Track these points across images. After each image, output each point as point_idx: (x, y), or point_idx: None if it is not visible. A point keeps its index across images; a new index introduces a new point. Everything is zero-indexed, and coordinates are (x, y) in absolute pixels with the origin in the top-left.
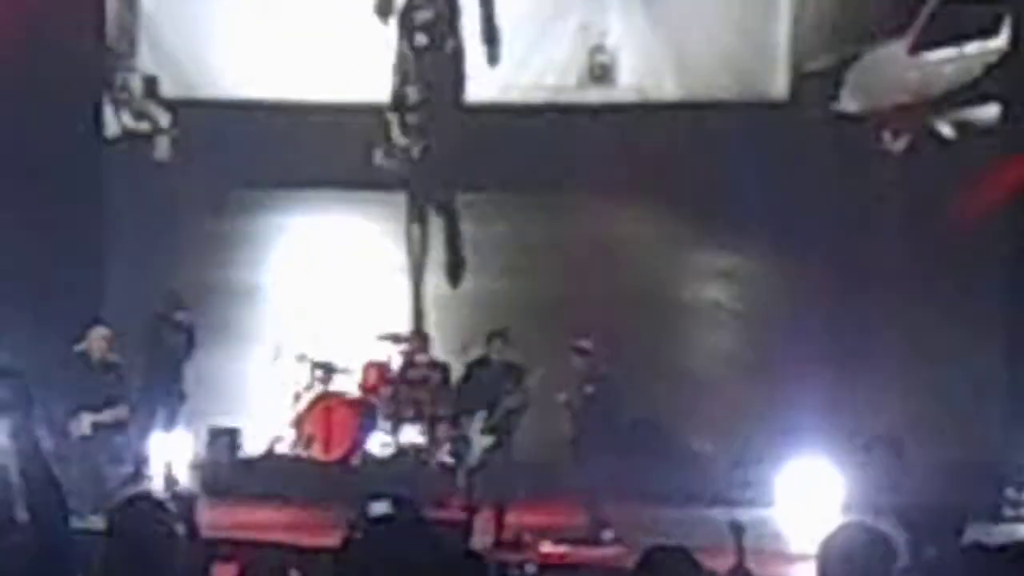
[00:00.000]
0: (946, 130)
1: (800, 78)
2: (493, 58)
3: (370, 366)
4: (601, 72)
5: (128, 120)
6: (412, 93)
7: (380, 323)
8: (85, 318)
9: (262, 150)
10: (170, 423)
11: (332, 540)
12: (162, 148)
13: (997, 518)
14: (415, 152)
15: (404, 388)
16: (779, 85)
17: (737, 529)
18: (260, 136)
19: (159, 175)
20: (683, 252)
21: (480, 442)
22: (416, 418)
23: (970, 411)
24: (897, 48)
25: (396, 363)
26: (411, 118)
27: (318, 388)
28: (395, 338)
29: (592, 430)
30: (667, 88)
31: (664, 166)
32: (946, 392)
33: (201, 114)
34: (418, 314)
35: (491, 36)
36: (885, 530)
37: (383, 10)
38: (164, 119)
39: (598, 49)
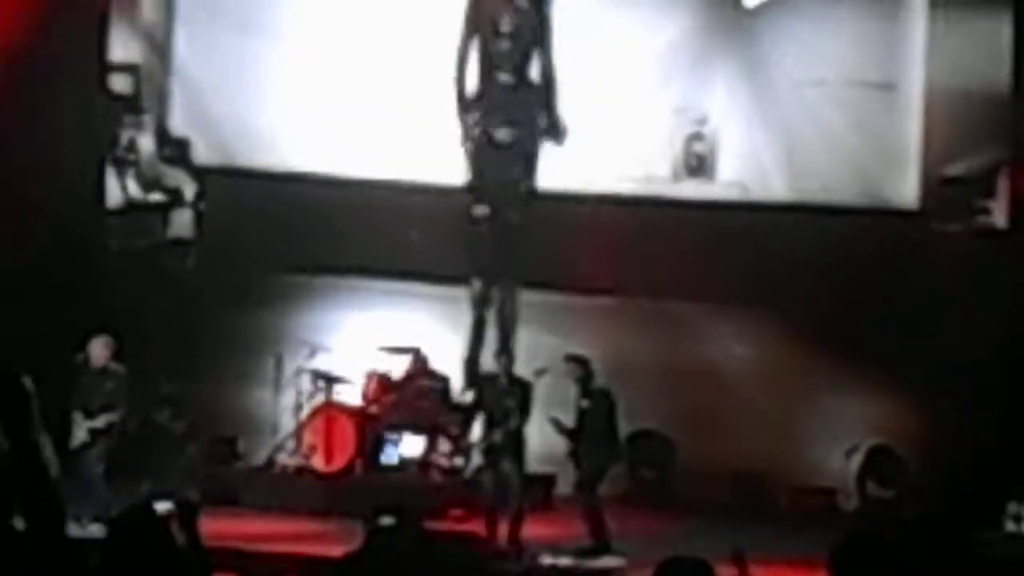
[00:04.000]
0: None
1: (936, 184)
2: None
3: (371, 377)
4: (698, 164)
5: (134, 189)
6: (482, 176)
7: None
8: (87, 325)
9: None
10: None
11: (333, 550)
12: (180, 223)
13: (999, 531)
14: (480, 245)
15: (405, 399)
16: (908, 191)
17: (739, 558)
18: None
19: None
20: (785, 374)
21: (481, 454)
22: (417, 429)
23: (972, 424)
24: None
25: (397, 374)
26: (478, 206)
27: (319, 398)
28: (397, 350)
29: (588, 442)
30: (775, 186)
31: (769, 274)
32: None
33: (235, 185)
34: None
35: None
36: (891, 541)
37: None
38: (189, 189)
39: (696, 137)
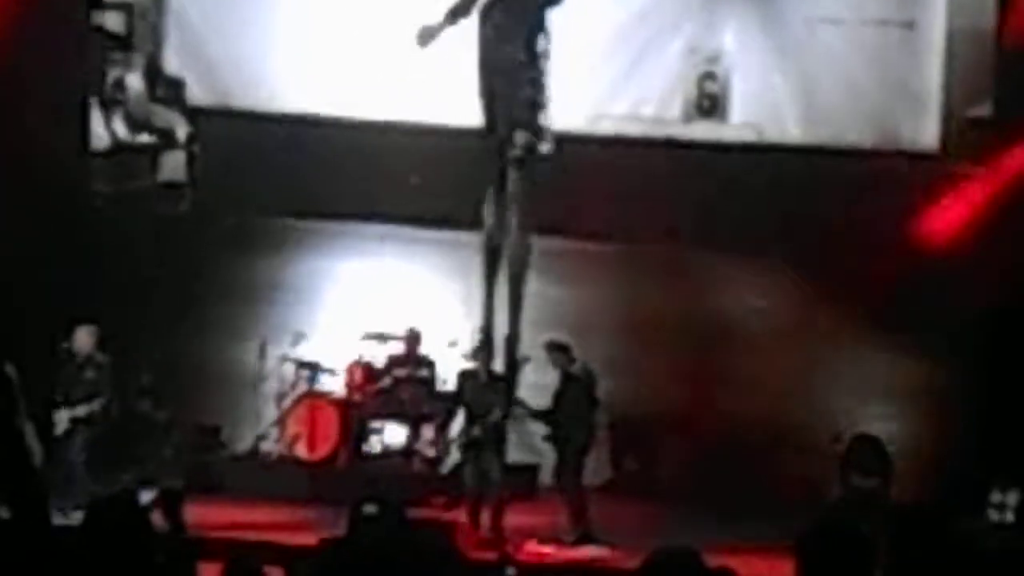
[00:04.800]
0: None
1: (958, 126)
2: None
3: (355, 366)
4: (710, 104)
5: (122, 130)
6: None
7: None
8: (73, 314)
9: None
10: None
11: (316, 538)
12: (171, 167)
13: (981, 519)
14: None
15: (389, 388)
16: (928, 133)
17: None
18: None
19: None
20: (797, 331)
21: (460, 449)
22: (401, 417)
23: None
24: None
25: (381, 362)
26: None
27: (303, 387)
28: (381, 337)
29: (566, 424)
30: (790, 129)
31: (785, 219)
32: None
33: (231, 126)
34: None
35: None
36: (865, 530)
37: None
38: (182, 130)
39: (708, 77)
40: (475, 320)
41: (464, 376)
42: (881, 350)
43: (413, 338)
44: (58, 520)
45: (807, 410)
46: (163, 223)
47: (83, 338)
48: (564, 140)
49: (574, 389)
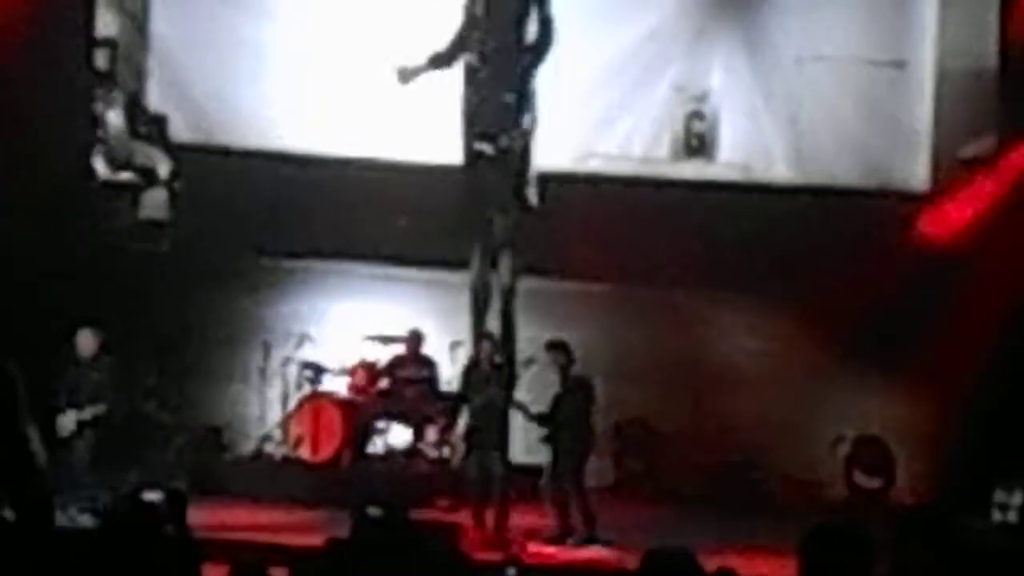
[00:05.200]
0: None
1: (949, 166)
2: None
3: (359, 367)
4: (698, 143)
5: (102, 167)
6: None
7: None
8: (75, 317)
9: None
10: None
11: (320, 541)
12: (153, 204)
13: (985, 519)
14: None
15: (393, 388)
16: (918, 173)
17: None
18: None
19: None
20: (788, 365)
21: (464, 443)
22: (405, 418)
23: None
24: None
25: (385, 363)
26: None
27: (307, 389)
28: (385, 339)
29: (564, 429)
30: (778, 167)
31: (772, 261)
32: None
33: (215, 163)
34: None
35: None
36: (866, 531)
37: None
38: (164, 167)
39: (695, 115)
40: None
41: (467, 370)
42: (874, 386)
43: (416, 339)
44: (62, 522)
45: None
46: (145, 262)
47: (86, 340)
48: (551, 179)
49: (574, 391)
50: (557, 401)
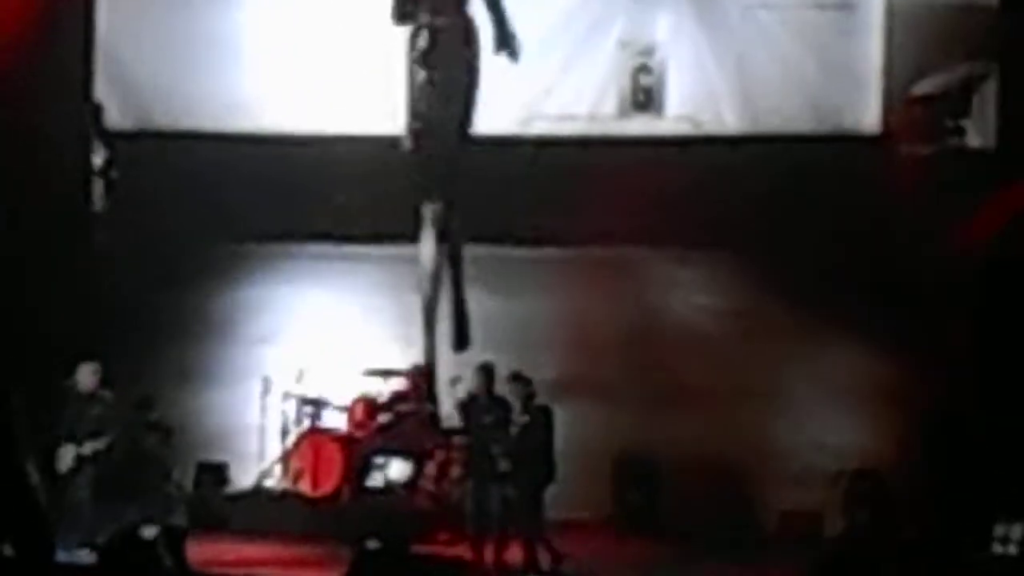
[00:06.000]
0: None
1: (903, 104)
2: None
3: (358, 401)
4: (645, 98)
5: None
6: (414, 122)
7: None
8: (75, 351)
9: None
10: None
11: (320, 575)
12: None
13: (985, 553)
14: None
15: (392, 423)
16: (869, 115)
17: None
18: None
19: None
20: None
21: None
22: (404, 453)
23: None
24: None
25: (385, 398)
26: (414, 154)
27: (306, 423)
28: (385, 373)
29: (523, 461)
30: (728, 119)
31: (726, 213)
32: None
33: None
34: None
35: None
36: (866, 563)
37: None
38: (98, 157)
39: (642, 70)
40: (416, 343)
41: (464, 403)
42: (843, 347)
43: (417, 373)
44: (63, 558)
45: (778, 417)
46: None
47: (86, 375)
48: (496, 143)
49: (537, 423)
50: (522, 432)
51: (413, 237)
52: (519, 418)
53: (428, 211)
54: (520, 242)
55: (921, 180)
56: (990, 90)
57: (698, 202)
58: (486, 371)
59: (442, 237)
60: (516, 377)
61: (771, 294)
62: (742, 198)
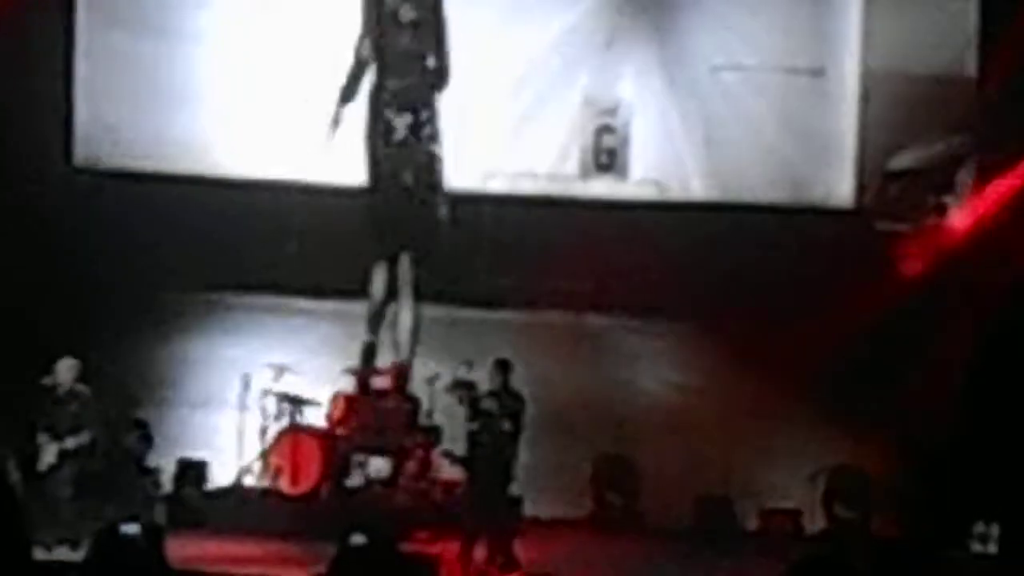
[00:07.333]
0: None
1: (879, 179)
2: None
3: (338, 398)
4: (608, 159)
5: None
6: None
7: None
8: (54, 349)
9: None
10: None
11: (300, 573)
12: None
13: (965, 551)
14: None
15: (372, 420)
16: (842, 188)
17: None
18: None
19: None
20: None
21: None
22: (384, 451)
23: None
24: None
25: (365, 395)
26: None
27: (286, 420)
28: (365, 371)
29: (478, 466)
30: (694, 185)
31: (689, 281)
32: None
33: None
34: None
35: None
36: (847, 561)
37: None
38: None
39: (605, 129)
40: None
41: (473, 401)
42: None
43: (396, 371)
44: (40, 555)
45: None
46: None
47: (64, 372)
48: (455, 200)
49: (487, 425)
50: (471, 437)
51: (365, 292)
52: (467, 425)
53: (381, 266)
54: (476, 304)
55: (896, 256)
56: (972, 166)
57: (660, 270)
58: (503, 366)
59: (392, 293)
60: (458, 384)
61: (735, 369)
62: (707, 268)
